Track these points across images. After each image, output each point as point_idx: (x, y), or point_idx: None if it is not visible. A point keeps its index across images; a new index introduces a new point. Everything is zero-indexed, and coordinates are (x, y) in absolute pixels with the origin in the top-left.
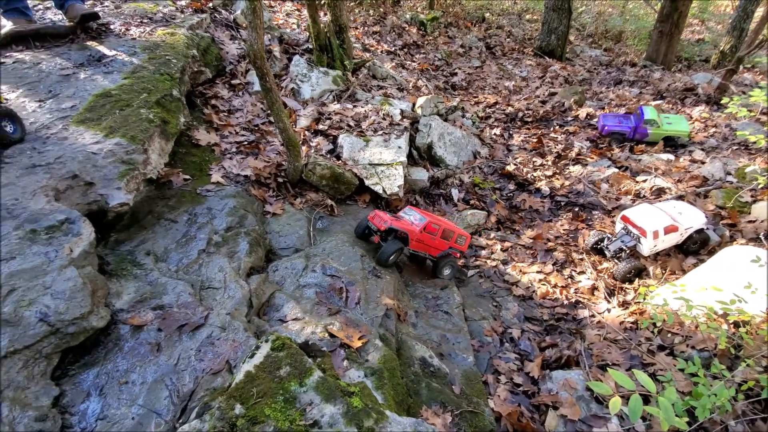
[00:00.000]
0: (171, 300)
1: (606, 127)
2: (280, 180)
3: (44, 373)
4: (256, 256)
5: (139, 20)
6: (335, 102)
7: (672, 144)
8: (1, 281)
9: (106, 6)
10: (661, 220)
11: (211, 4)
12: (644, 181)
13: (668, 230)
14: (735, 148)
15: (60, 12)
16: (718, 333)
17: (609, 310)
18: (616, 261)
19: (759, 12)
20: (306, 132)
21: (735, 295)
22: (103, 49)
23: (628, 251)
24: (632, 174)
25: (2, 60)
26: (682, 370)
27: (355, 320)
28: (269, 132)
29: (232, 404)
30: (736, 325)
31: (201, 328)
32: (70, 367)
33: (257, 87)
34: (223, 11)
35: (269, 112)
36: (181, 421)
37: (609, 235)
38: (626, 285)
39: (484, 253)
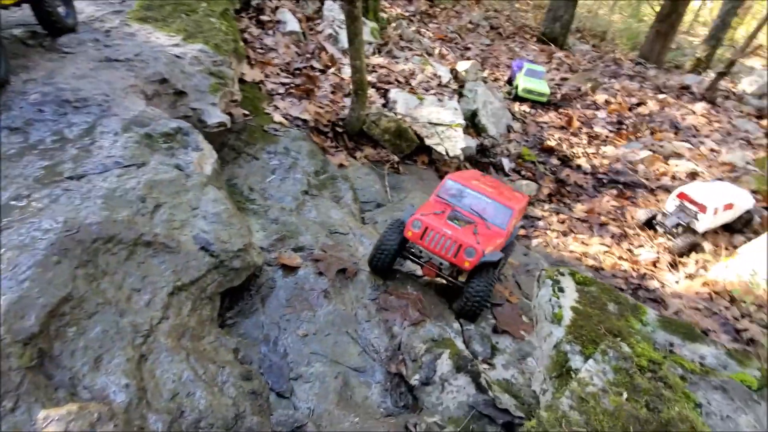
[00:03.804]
0: (310, 241)
1: (513, 63)
2: (339, 130)
3: (212, 319)
4: (358, 204)
5: None
6: (376, 54)
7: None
8: (141, 191)
9: None
10: (720, 197)
11: None
12: (676, 165)
13: (726, 207)
14: (741, 142)
15: None
16: None
17: (678, 282)
18: (670, 236)
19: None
20: None
21: None
22: None
23: (684, 227)
24: (664, 157)
25: None
26: None
27: None
28: (315, 77)
29: (618, 343)
30: None
31: (359, 273)
32: (227, 314)
33: (290, 27)
34: None
35: (309, 56)
36: (417, 378)
37: (663, 212)
38: (683, 259)
39: (541, 224)
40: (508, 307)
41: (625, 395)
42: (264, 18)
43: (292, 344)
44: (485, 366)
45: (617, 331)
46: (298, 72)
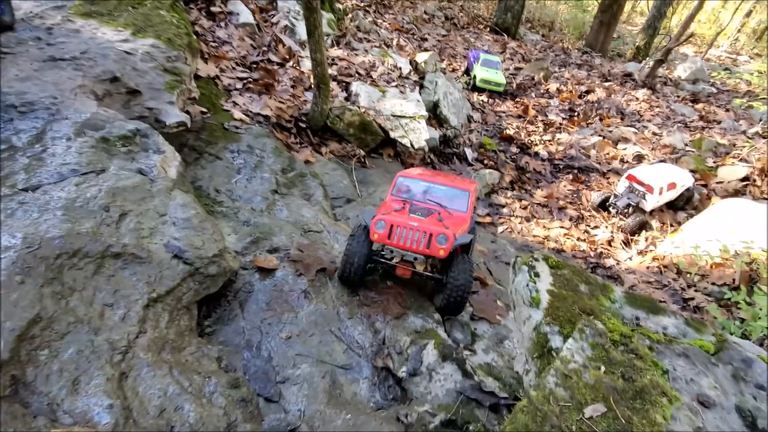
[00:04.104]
0: (284, 242)
1: (469, 53)
2: (302, 125)
3: (191, 329)
4: (329, 201)
5: None
6: (334, 47)
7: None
8: (105, 201)
9: None
10: (664, 177)
11: None
12: (624, 149)
13: (670, 187)
14: (679, 125)
15: None
16: (739, 266)
17: (631, 258)
18: (622, 216)
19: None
20: None
21: (744, 241)
22: None
23: (634, 207)
24: (613, 142)
25: None
26: (721, 299)
27: None
28: (274, 71)
29: (593, 321)
30: (747, 264)
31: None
32: (205, 322)
33: (243, 18)
34: None
35: (265, 49)
36: (404, 370)
37: (615, 194)
38: (634, 237)
39: (505, 211)
40: (483, 293)
41: (603, 369)
42: (214, 9)
43: (276, 348)
44: (467, 352)
45: (590, 309)
46: (255, 66)
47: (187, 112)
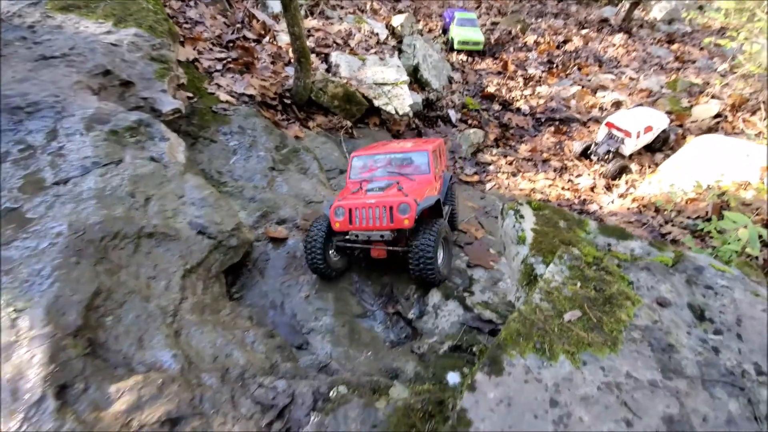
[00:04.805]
0: (290, 213)
1: (445, 13)
2: (287, 101)
3: (222, 295)
4: (324, 173)
5: None
6: (309, 17)
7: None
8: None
9: None
10: (640, 121)
11: None
12: (603, 96)
13: (647, 130)
14: (655, 68)
15: None
16: (711, 199)
17: (613, 202)
18: (603, 163)
19: None
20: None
21: (717, 176)
22: None
23: (614, 152)
24: (592, 91)
25: None
26: (695, 230)
27: None
28: (251, 49)
29: (570, 249)
30: (718, 196)
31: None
32: (232, 289)
33: None
34: None
35: (239, 26)
36: (413, 312)
37: (595, 142)
38: (615, 181)
39: (491, 168)
40: (476, 243)
41: (579, 284)
42: None
43: (298, 305)
44: (466, 294)
45: (568, 240)
46: (231, 44)
47: (176, 98)
